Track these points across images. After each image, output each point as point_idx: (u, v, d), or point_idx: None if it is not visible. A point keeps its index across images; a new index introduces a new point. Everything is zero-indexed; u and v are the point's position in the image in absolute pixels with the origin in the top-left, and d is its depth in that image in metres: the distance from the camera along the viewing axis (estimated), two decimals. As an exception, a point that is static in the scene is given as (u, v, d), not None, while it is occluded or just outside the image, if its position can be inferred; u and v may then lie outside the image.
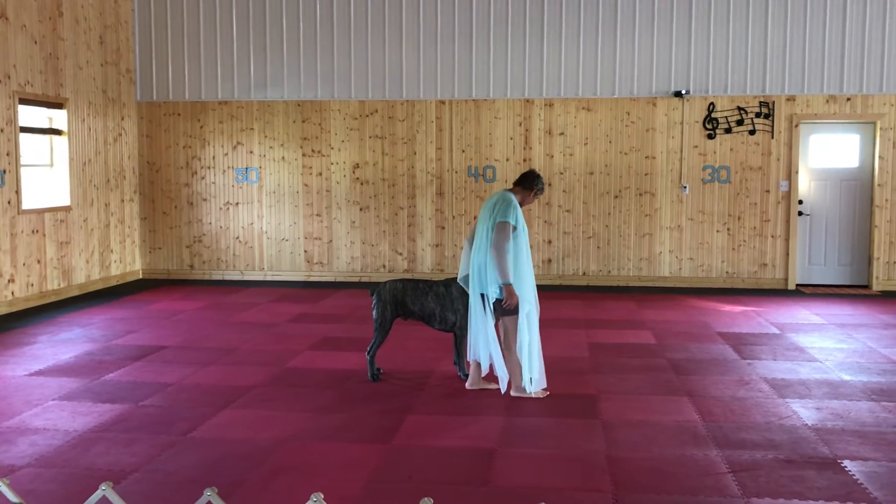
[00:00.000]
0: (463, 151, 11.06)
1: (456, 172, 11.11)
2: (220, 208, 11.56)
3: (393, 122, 11.16)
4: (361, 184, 11.30)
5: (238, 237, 11.56)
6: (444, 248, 11.22)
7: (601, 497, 4.02)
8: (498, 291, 5.57)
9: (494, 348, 5.66)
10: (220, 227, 11.57)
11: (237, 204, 11.53)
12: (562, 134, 10.89)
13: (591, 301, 9.82)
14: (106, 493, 2.39)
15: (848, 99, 10.47)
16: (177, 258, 11.68)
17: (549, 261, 11.08)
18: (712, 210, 10.80)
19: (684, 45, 10.66)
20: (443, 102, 11.04)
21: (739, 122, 10.64)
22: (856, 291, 10.51)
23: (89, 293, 10.30)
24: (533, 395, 5.68)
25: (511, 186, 5.88)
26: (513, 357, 5.66)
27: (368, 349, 6.18)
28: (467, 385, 5.95)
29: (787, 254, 10.73)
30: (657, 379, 6.24)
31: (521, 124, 10.94)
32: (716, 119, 10.66)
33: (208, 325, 8.33)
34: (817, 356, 6.99)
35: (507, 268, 5.47)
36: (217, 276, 11.61)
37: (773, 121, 10.60)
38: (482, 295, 5.65)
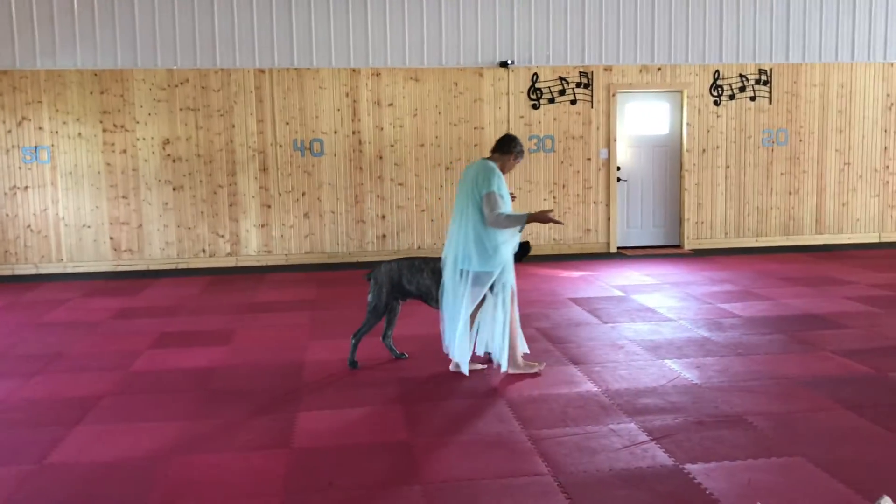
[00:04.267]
0: (287, 124, 10.39)
1: (280, 146, 10.42)
2: (6, 193, 10.07)
3: (207, 93, 10.24)
4: (173, 161, 10.30)
5: (30, 225, 10.14)
6: (272, 227, 10.52)
7: (542, 481, 3.81)
8: (493, 265, 5.25)
9: (461, 330, 5.36)
10: (7, 216, 10.09)
11: (26, 188, 10.10)
12: (391, 105, 10.54)
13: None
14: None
15: (659, 69, 11.00)
16: (-48, 253, 10.06)
17: (384, 236, 10.73)
18: (539, 179, 10.97)
19: (507, 14, 10.65)
20: (262, 71, 10.28)
21: (562, 93, 10.85)
22: (670, 251, 11.15)
23: None
24: (528, 372, 5.52)
25: (489, 154, 5.57)
26: (511, 333, 5.42)
27: (354, 333, 5.76)
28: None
29: (609, 218, 11.15)
30: (536, 350, 6.15)
31: (348, 94, 10.45)
32: (540, 89, 10.80)
33: (16, 329, 7.19)
34: (669, 315, 7.24)
35: (514, 215, 5.20)
36: (6, 271, 10.14)
37: (592, 90, 10.91)
38: (461, 272, 5.33)
